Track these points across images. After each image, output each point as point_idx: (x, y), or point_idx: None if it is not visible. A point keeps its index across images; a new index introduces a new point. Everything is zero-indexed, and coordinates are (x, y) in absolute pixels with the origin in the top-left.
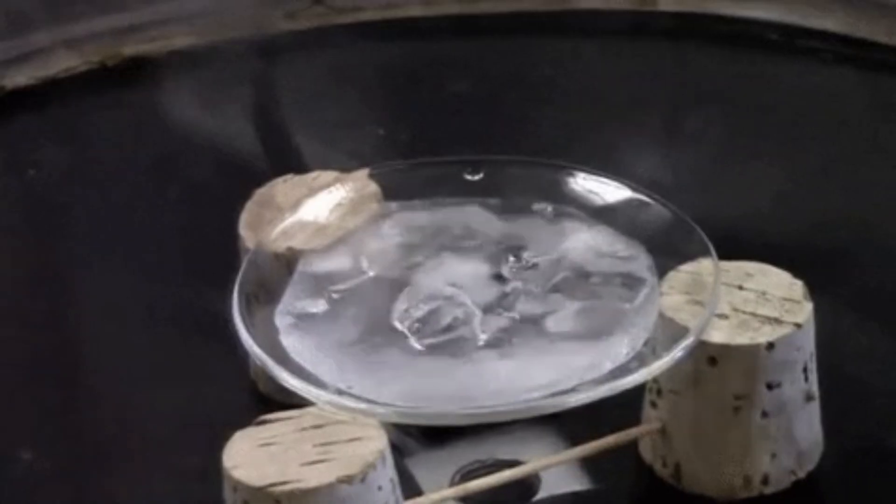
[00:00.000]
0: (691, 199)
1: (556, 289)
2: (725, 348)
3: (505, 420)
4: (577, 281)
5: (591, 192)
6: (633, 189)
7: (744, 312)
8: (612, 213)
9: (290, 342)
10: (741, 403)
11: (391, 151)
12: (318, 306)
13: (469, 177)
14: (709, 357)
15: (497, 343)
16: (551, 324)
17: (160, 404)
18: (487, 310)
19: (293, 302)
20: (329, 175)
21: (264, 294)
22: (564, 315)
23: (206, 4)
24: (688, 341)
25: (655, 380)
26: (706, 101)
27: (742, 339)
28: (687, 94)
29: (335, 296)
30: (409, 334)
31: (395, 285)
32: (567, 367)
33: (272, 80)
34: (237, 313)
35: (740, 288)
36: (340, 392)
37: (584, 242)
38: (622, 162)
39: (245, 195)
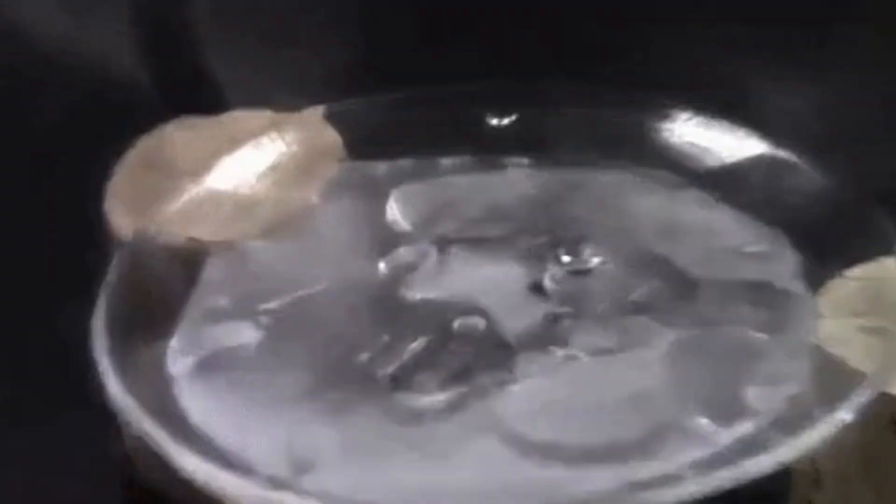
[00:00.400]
0: (862, 163)
1: (638, 308)
2: None
3: None
4: (675, 294)
5: (694, 146)
6: (769, 143)
7: None
8: (733, 181)
9: (193, 397)
10: None
11: (361, 79)
12: (241, 336)
13: (493, 121)
14: None
15: (541, 402)
16: (631, 366)
17: None
18: (526, 344)
19: (198, 329)
20: (258, 116)
21: (150, 316)
22: (654, 352)
23: None
24: (862, 395)
25: (813, 460)
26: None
27: None
28: None
29: (268, 319)
30: (392, 385)
31: (371, 301)
32: (658, 438)
33: None
34: (102, 350)
35: None
36: (275, 483)
37: (684, 231)
38: (748, 99)
39: (117, 149)
